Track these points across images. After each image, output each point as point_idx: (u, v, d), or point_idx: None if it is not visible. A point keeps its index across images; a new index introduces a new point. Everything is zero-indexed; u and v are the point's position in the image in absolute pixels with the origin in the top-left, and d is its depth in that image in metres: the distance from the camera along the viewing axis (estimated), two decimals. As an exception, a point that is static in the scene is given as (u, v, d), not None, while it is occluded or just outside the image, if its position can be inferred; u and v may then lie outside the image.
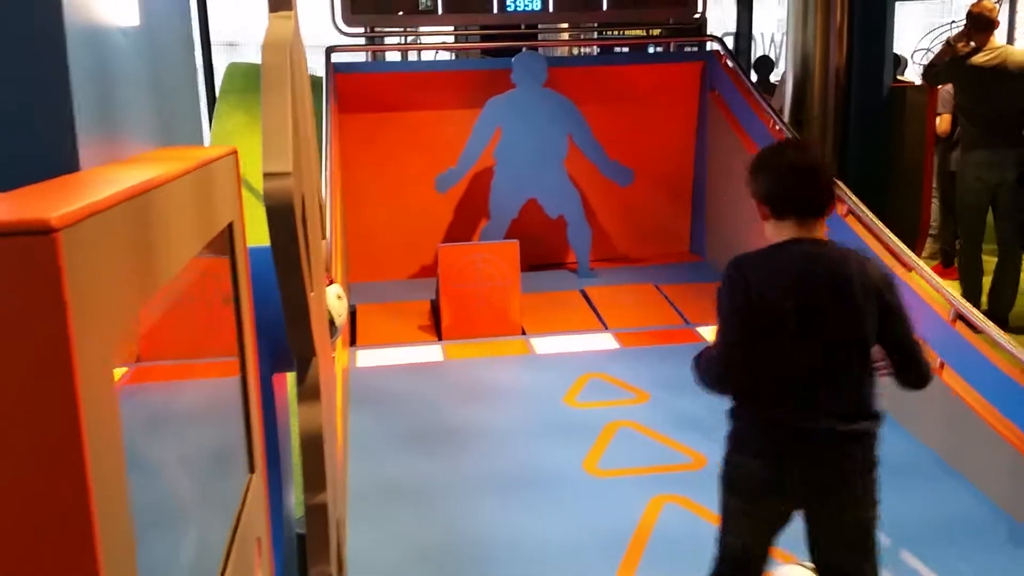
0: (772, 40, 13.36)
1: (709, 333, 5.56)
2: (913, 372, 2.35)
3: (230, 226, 1.25)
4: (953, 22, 11.41)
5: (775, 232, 2.30)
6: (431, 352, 5.48)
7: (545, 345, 5.52)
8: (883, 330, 2.26)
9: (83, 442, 0.56)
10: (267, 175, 1.39)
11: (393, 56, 9.66)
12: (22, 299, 0.54)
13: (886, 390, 4.66)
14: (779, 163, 2.32)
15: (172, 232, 0.83)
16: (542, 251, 6.91)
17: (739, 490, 2.36)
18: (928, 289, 4.37)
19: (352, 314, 5.94)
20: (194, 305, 1.26)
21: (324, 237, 2.64)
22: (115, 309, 0.65)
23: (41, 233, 0.53)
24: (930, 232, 7.69)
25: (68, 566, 0.64)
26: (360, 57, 8.03)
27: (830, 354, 2.22)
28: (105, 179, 0.77)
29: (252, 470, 1.31)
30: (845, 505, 2.31)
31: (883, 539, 3.37)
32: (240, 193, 1.37)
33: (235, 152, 1.31)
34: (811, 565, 2.47)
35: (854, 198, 5.09)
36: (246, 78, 6.09)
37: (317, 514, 1.84)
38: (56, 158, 1.01)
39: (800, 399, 2.23)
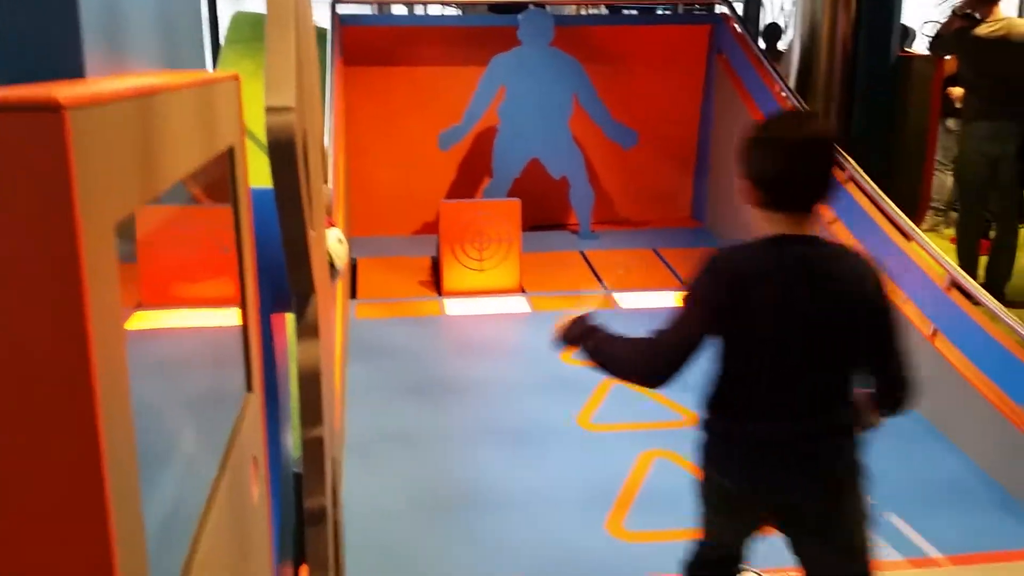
0: (782, 8, 13.25)
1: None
2: (893, 394, 2.07)
3: (231, 152, 1.27)
4: (964, -6, 11.31)
5: (761, 221, 1.96)
6: (431, 307, 5.52)
7: (543, 303, 5.56)
8: (870, 337, 2.00)
9: (86, 312, 0.59)
10: (269, 109, 1.41)
11: (399, 9, 9.60)
12: (29, 174, 0.56)
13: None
14: (790, 145, 1.90)
15: (174, 138, 0.85)
16: (544, 211, 6.92)
17: (715, 505, 2.15)
18: (925, 257, 4.40)
19: (353, 268, 5.97)
20: (195, 226, 1.29)
21: (326, 182, 2.66)
22: (119, 199, 0.68)
23: (50, 110, 0.55)
24: (935, 206, 7.70)
25: (69, 453, 0.67)
26: (366, 10, 7.98)
27: (812, 364, 1.96)
28: (111, 82, 0.79)
29: (249, 389, 1.35)
30: (826, 517, 2.07)
31: (871, 501, 3.45)
32: (242, 120, 1.39)
33: (237, 77, 1.33)
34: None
35: (856, 166, 5.10)
36: (252, 28, 6.06)
37: (313, 447, 1.87)
38: (62, 70, 1.03)
39: (777, 408, 1.99)
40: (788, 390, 1.97)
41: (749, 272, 1.91)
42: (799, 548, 2.12)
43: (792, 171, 1.88)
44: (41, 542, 0.69)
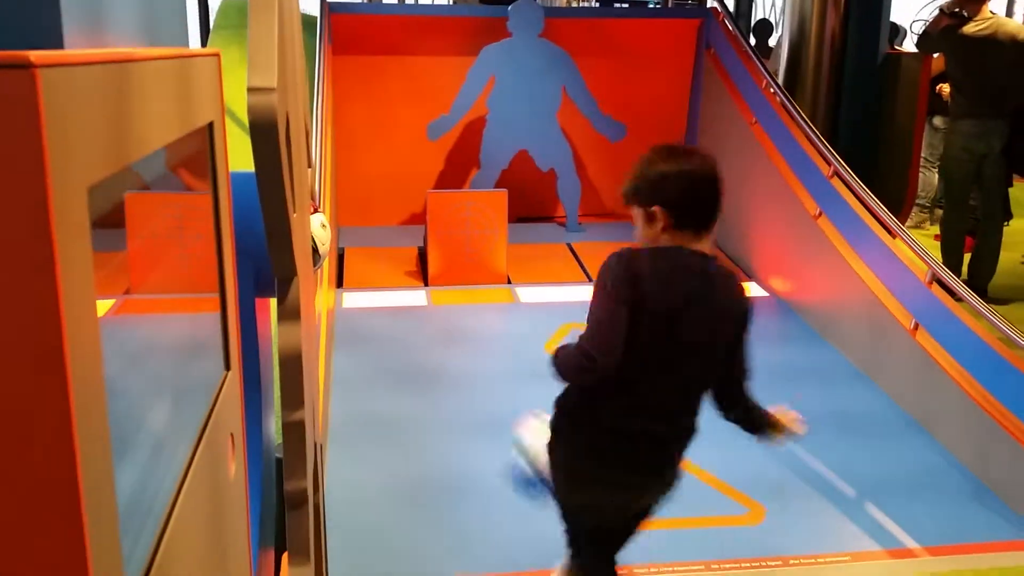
0: (773, 4, 13.29)
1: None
2: (738, 407, 2.29)
3: (211, 128, 1.27)
4: (954, -7, 11.36)
5: (667, 242, 2.18)
6: (416, 297, 5.52)
7: (529, 294, 5.57)
8: (731, 351, 2.23)
9: (56, 269, 0.59)
10: (251, 89, 1.40)
11: None
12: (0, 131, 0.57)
13: (857, 344, 4.71)
14: (694, 175, 2.19)
15: (150, 106, 0.85)
16: (531, 203, 6.93)
17: (571, 483, 2.35)
18: (909, 253, 4.43)
19: (340, 257, 5.96)
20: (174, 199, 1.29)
21: (310, 165, 2.66)
22: (92, 161, 0.68)
23: (20, 67, 0.56)
24: (920, 203, 7.74)
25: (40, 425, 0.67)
26: (356, -1, 7.95)
27: (689, 367, 2.18)
28: (86, 50, 0.79)
29: (228, 367, 1.35)
30: (646, 496, 2.34)
31: (849, 492, 3.48)
32: (222, 97, 1.39)
33: (218, 55, 1.33)
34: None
35: (842, 162, 5.12)
36: (241, 14, 6.04)
37: (294, 431, 1.87)
38: (41, 45, 1.03)
39: (642, 403, 2.19)
40: (659, 389, 2.17)
41: (655, 274, 2.12)
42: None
43: (701, 198, 2.18)
44: (10, 516, 0.68)
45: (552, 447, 2.34)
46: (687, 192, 2.16)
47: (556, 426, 2.32)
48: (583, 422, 2.25)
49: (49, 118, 0.58)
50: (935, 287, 4.13)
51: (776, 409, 2.31)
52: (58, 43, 0.94)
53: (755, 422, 2.31)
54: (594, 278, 5.93)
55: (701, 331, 2.16)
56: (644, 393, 2.17)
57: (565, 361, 2.21)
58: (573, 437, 2.28)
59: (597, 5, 8.81)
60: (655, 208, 2.16)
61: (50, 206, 0.59)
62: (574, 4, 8.64)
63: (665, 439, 2.24)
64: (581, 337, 2.16)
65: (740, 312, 2.22)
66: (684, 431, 2.26)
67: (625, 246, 2.20)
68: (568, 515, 2.47)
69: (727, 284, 2.22)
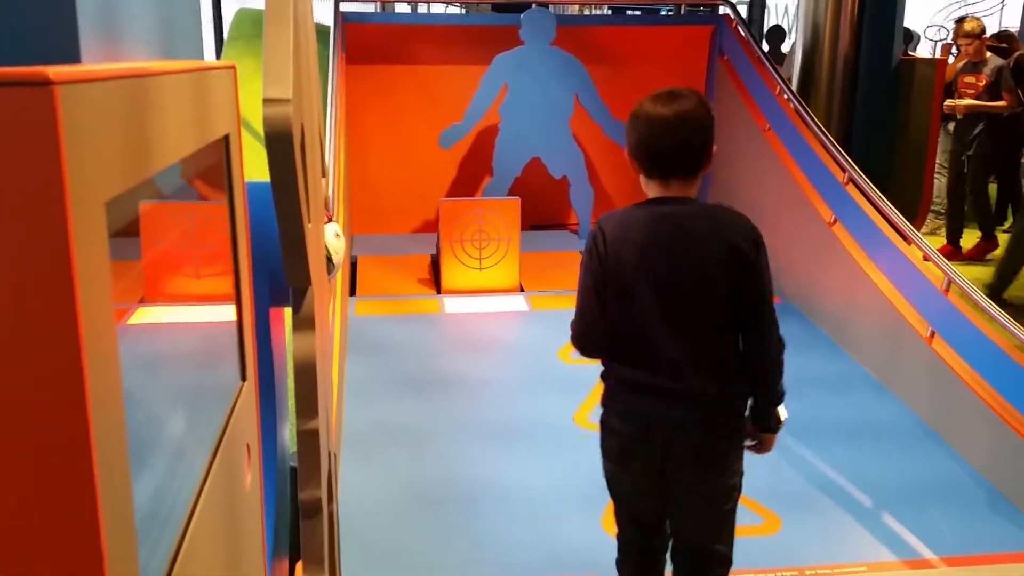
0: (786, 11, 13.27)
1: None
2: (758, 352, 2.15)
3: (227, 140, 1.28)
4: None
5: (648, 189, 2.18)
6: (429, 304, 5.53)
7: (542, 302, 5.56)
8: (740, 291, 2.10)
9: (75, 290, 0.60)
10: (267, 100, 1.41)
11: (403, 8, 9.61)
12: (19, 149, 0.57)
13: (872, 352, 4.69)
14: (652, 118, 2.11)
15: (167, 120, 0.86)
16: (543, 211, 6.93)
17: (612, 454, 2.26)
18: (925, 261, 4.41)
19: (353, 265, 5.98)
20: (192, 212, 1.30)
21: (324, 175, 2.67)
22: (109, 176, 0.69)
23: (39, 84, 0.56)
24: (936, 209, 7.76)
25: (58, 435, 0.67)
26: (369, 8, 7.99)
27: (680, 315, 2.10)
28: (104, 65, 0.80)
29: (244, 378, 1.35)
30: (700, 472, 2.19)
31: (865, 501, 3.46)
32: (238, 109, 1.39)
33: (234, 67, 1.34)
34: None
35: (856, 168, 5.10)
36: (255, 25, 6.08)
37: (308, 440, 1.88)
38: (58, 60, 1.04)
39: (653, 360, 2.12)
40: (661, 347, 2.10)
41: (620, 230, 2.12)
42: (669, 501, 2.25)
43: (658, 142, 2.11)
44: (29, 527, 0.68)
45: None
46: (649, 134, 2.12)
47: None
48: (609, 389, 2.24)
49: (67, 134, 0.59)
50: (952, 295, 4.11)
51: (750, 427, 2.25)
52: (75, 56, 0.94)
53: (752, 415, 2.24)
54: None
55: (682, 277, 2.08)
56: (650, 349, 2.12)
57: (573, 334, 2.24)
58: (608, 403, 2.26)
59: (609, 13, 8.82)
60: (628, 153, 2.18)
61: (68, 221, 0.59)
62: (586, 12, 8.64)
63: (676, 395, 2.11)
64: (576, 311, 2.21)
65: (727, 249, 2.08)
66: (702, 393, 2.11)
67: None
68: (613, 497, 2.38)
69: (711, 224, 2.12)
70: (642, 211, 2.15)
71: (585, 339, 2.19)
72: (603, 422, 2.27)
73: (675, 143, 2.10)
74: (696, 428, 2.14)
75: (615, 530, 2.46)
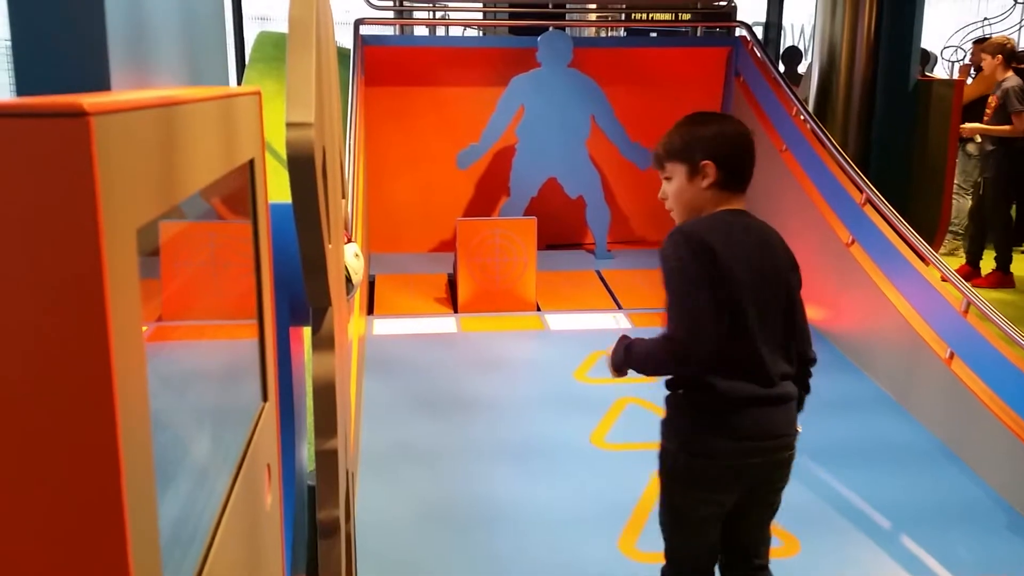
0: (802, 32, 13.30)
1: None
2: (804, 365, 2.32)
3: (251, 164, 1.30)
4: (985, 19, 11.32)
5: (710, 200, 2.23)
6: (446, 324, 5.54)
7: (558, 322, 5.57)
8: (797, 299, 2.30)
9: (108, 317, 0.61)
10: (290, 124, 1.44)
11: (421, 31, 9.70)
12: (54, 178, 0.59)
13: (891, 373, 4.66)
14: (736, 134, 2.30)
15: (196, 147, 0.88)
16: (560, 230, 6.95)
17: (705, 480, 2.21)
18: (943, 282, 4.39)
19: (371, 284, 6.01)
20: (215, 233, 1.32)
21: (344, 197, 2.69)
22: (141, 204, 0.71)
23: (74, 115, 0.58)
24: (954, 230, 7.72)
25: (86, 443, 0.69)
26: (388, 31, 8.07)
27: (783, 324, 2.22)
28: (135, 93, 0.82)
29: (265, 399, 1.37)
30: (784, 479, 2.29)
31: (884, 522, 3.44)
32: (262, 134, 1.42)
33: (259, 92, 1.36)
34: None
35: (874, 189, 5.10)
36: (276, 47, 6.15)
37: (327, 459, 1.89)
38: (89, 86, 1.07)
39: (760, 370, 2.16)
40: (765, 357, 2.16)
41: (718, 235, 2.14)
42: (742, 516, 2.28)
43: (747, 154, 2.28)
44: (58, 547, 0.70)
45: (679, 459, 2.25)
46: (736, 148, 2.26)
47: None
48: (703, 407, 2.18)
49: (101, 163, 0.61)
50: (971, 316, 4.09)
51: None
52: (105, 83, 0.97)
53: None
54: (624, 305, 5.92)
55: (776, 286, 2.20)
56: (759, 359, 2.15)
57: (649, 352, 2.18)
58: (703, 423, 2.19)
59: (625, 35, 8.86)
60: (706, 162, 2.22)
61: (102, 248, 0.61)
62: (602, 34, 8.69)
63: (781, 401, 2.20)
64: (669, 327, 2.12)
65: (792, 258, 2.29)
66: (791, 398, 2.24)
67: (674, 227, 2.25)
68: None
69: (775, 234, 2.29)
70: (727, 218, 2.22)
71: (694, 346, 2.08)
72: (691, 447, 2.21)
73: (752, 159, 2.29)
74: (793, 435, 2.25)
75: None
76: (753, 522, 2.33)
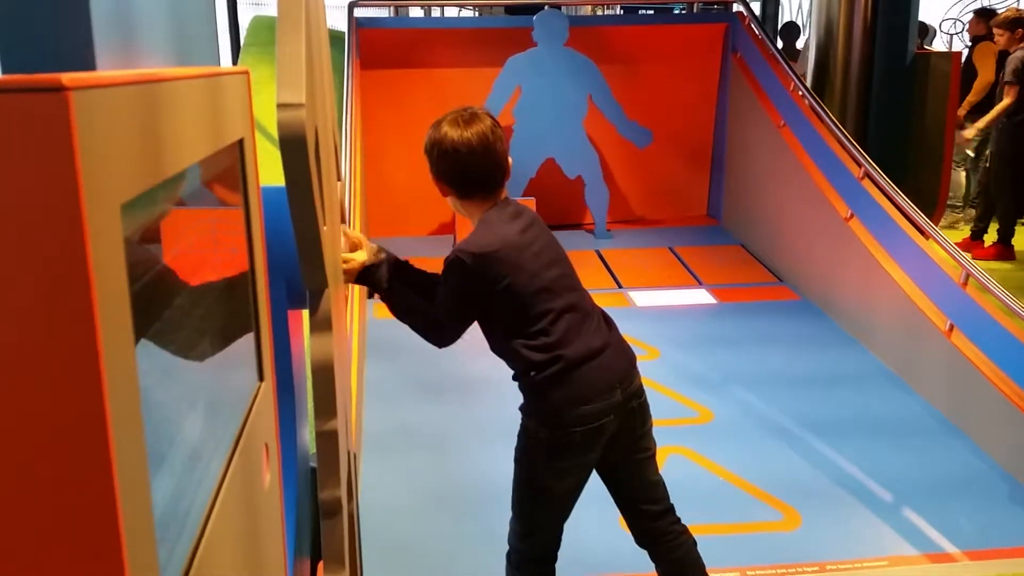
0: (800, 6, 13.23)
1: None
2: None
3: (241, 144, 1.30)
4: (984, -9, 11.24)
5: (469, 208, 2.33)
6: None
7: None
8: None
9: (92, 293, 0.61)
10: (281, 106, 1.43)
11: (416, 12, 9.65)
12: (34, 154, 0.59)
13: (891, 347, 4.65)
14: (456, 144, 2.27)
15: (181, 125, 0.87)
16: (559, 211, 6.94)
17: (566, 448, 2.29)
18: (942, 254, 4.38)
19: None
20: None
21: (340, 179, 2.69)
22: (124, 180, 0.70)
23: (52, 90, 0.58)
24: (952, 203, 7.69)
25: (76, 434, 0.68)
26: (383, 13, 8.03)
27: (571, 275, 2.38)
28: (118, 71, 0.82)
29: (261, 379, 1.37)
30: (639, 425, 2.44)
31: (885, 495, 3.45)
32: (252, 114, 1.41)
33: (247, 72, 1.36)
34: None
35: (872, 163, 5.09)
36: (270, 31, 6.12)
37: (327, 440, 1.90)
38: (73, 66, 1.06)
39: (585, 332, 2.29)
40: (578, 319, 2.31)
41: (505, 243, 2.21)
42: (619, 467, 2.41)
43: (481, 165, 2.28)
44: (48, 528, 0.69)
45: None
46: (455, 162, 2.26)
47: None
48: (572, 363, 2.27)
49: (82, 139, 0.60)
50: (970, 288, 4.09)
51: None
52: (90, 63, 0.96)
53: None
54: (624, 284, 5.94)
55: (553, 249, 2.33)
56: (581, 324, 2.30)
57: (426, 326, 2.30)
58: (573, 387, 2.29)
59: (621, 13, 8.82)
60: (441, 184, 2.32)
61: (84, 223, 0.61)
62: (598, 12, 8.65)
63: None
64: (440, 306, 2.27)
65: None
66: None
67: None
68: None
69: (528, 210, 2.39)
70: (507, 219, 2.31)
71: (447, 341, 2.35)
72: (549, 420, 2.35)
73: (488, 158, 2.32)
74: None
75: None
76: (633, 471, 2.41)
